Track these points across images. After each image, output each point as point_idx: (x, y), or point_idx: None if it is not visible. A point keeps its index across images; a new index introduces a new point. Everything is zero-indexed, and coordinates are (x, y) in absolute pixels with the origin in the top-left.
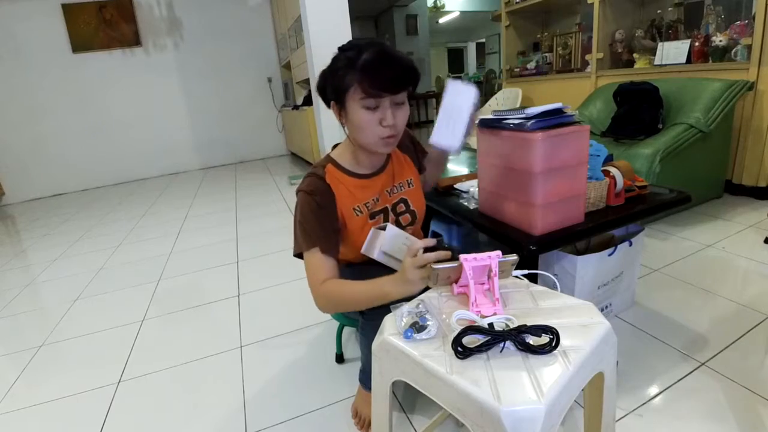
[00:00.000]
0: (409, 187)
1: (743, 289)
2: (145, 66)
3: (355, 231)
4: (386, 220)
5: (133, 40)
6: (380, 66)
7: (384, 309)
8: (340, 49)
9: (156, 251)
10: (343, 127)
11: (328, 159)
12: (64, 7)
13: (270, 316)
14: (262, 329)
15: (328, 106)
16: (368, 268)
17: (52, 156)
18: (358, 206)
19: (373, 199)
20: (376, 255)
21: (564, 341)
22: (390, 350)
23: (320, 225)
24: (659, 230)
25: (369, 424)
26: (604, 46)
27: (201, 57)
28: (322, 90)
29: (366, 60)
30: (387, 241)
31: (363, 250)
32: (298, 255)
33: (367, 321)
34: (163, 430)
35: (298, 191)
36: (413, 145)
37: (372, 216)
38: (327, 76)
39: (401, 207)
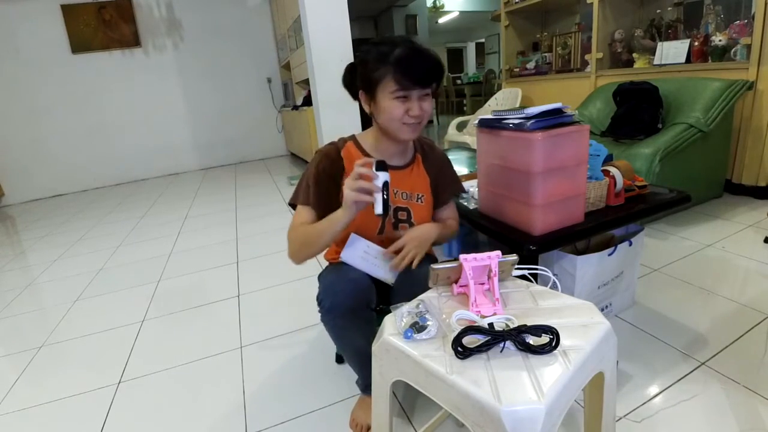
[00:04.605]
0: (417, 201)
1: (743, 289)
2: (145, 67)
3: None
4: (386, 217)
5: (133, 40)
6: (413, 62)
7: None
8: (372, 42)
9: (156, 252)
10: (371, 115)
11: (352, 137)
12: (64, 7)
13: (270, 316)
14: (262, 329)
15: (355, 96)
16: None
17: (52, 156)
18: None
19: None
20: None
21: (564, 341)
22: (390, 350)
23: (320, 187)
24: (659, 230)
25: (368, 430)
26: (603, 45)
27: (200, 57)
28: (348, 80)
29: (399, 55)
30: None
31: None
32: (292, 204)
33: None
34: (163, 431)
35: (316, 151)
36: (443, 177)
37: None
38: (357, 67)
39: (403, 215)
